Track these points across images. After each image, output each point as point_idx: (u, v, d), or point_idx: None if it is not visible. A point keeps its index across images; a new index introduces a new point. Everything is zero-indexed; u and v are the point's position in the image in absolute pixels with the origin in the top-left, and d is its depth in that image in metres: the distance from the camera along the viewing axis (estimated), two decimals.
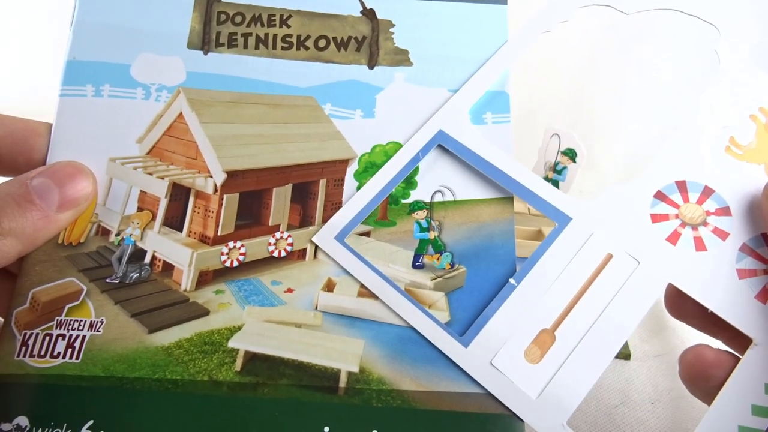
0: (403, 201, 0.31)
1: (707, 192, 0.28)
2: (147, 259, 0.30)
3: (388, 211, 0.31)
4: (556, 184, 0.78)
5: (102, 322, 0.28)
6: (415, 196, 0.31)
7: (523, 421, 0.26)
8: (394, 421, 0.27)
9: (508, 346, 0.26)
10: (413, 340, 0.28)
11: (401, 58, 0.34)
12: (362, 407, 0.27)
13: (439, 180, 0.31)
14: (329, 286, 0.30)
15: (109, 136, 0.31)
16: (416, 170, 0.31)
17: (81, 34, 0.33)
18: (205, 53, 0.33)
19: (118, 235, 0.30)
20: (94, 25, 0.33)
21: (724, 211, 0.28)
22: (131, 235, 0.30)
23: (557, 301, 0.26)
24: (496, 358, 0.26)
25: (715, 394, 0.28)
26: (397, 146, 0.32)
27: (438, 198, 0.31)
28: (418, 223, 0.31)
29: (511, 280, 0.27)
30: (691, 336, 0.51)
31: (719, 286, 0.27)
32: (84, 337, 0.28)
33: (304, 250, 0.31)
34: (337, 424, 0.27)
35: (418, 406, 0.27)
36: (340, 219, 0.29)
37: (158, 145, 0.32)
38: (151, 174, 0.31)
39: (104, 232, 0.31)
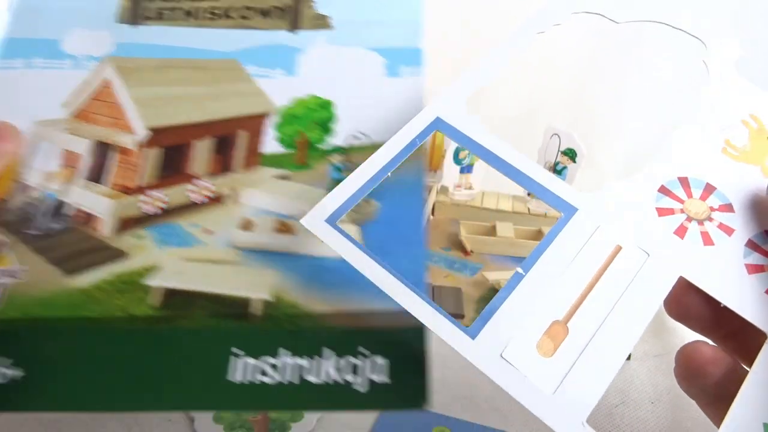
0: (319, 146, 0.33)
1: (709, 189, 0.28)
2: (69, 212, 0.31)
3: (306, 156, 0.32)
4: None
5: (22, 270, 0.29)
6: (332, 142, 0.33)
7: (427, 330, 0.25)
8: (301, 340, 0.27)
9: (518, 338, 0.25)
10: (328, 269, 0.28)
11: (321, 22, 0.36)
12: (272, 330, 0.27)
13: (355, 126, 0.33)
14: (246, 225, 0.30)
15: (37, 103, 0.33)
16: (331, 117, 0.32)
17: (17, 15, 0.35)
18: (134, 26, 0.35)
19: (40, 191, 0.32)
20: (30, 7, 0.36)
21: (728, 207, 0.28)
22: (54, 190, 0.32)
23: (568, 292, 0.26)
24: (507, 351, 0.24)
25: (709, 393, 0.27)
26: (317, 100, 0.33)
27: (353, 142, 0.32)
28: (334, 165, 0.32)
29: (519, 269, 0.26)
30: (692, 336, 0.51)
31: (729, 280, 0.26)
32: (5, 284, 0.29)
33: (225, 195, 0.32)
34: (246, 346, 0.27)
35: (327, 325, 0.27)
36: (332, 201, 0.27)
37: (85, 109, 0.34)
38: (74, 134, 0.33)
39: (27, 190, 0.32)
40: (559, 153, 0.78)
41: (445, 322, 0.25)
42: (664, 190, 0.28)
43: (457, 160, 0.76)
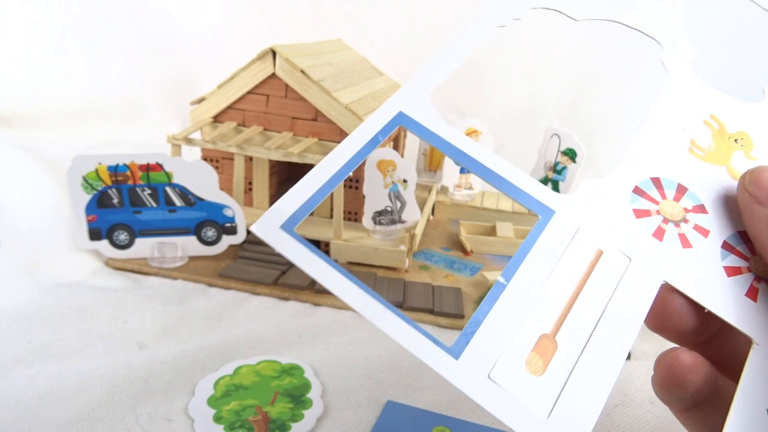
0: None
1: (681, 189, 0.28)
2: None
3: None
4: (556, 184, 0.78)
5: None
6: None
7: None
8: None
9: (506, 356, 0.23)
10: None
11: None
12: None
13: None
14: None
15: None
16: None
17: None
18: None
19: None
20: None
21: (701, 208, 0.28)
22: None
23: (553, 303, 0.24)
24: (495, 371, 0.22)
25: (687, 400, 0.27)
26: None
27: None
28: None
29: (501, 279, 0.24)
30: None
31: (710, 284, 0.26)
32: None
33: None
34: None
35: None
36: (287, 205, 0.24)
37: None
38: None
39: None
40: (559, 153, 0.78)
41: (424, 341, 0.22)
42: (638, 191, 0.28)
43: None
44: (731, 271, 0.26)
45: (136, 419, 0.41)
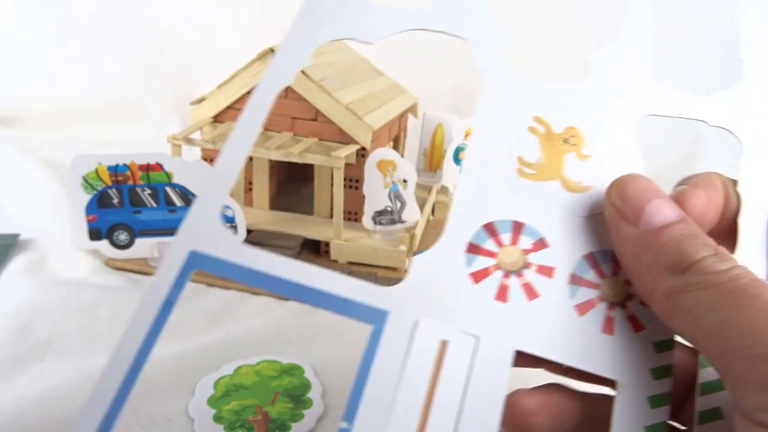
0: None
1: (517, 228, 0.25)
2: None
3: None
4: None
5: None
6: None
7: None
8: None
9: None
10: None
11: None
12: None
13: None
14: None
15: None
16: None
17: None
18: None
19: None
20: None
21: (541, 243, 0.24)
22: None
23: (407, 423, 0.22)
24: None
25: None
26: None
27: None
28: None
29: (342, 424, 0.22)
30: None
31: (564, 332, 0.23)
32: None
33: None
34: None
35: None
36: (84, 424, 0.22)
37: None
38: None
39: None
40: None
41: None
42: (472, 249, 0.24)
43: (457, 160, 0.76)
44: (583, 308, 0.24)
45: (136, 419, 0.41)
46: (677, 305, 0.21)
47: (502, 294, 0.24)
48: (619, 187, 0.23)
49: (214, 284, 0.59)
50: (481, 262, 0.24)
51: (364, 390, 0.22)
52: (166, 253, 0.23)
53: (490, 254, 0.24)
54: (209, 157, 0.70)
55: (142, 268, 0.61)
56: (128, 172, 0.60)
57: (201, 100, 0.68)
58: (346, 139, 0.65)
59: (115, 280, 0.59)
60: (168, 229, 0.62)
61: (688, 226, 0.22)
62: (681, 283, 0.21)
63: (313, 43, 0.27)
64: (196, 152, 0.70)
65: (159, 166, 0.60)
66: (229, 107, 0.67)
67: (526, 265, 0.24)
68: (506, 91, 0.26)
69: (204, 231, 0.24)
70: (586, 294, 0.24)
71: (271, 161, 0.68)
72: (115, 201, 0.61)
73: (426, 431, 0.22)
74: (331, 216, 0.66)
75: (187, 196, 0.61)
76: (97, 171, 0.60)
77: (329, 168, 0.65)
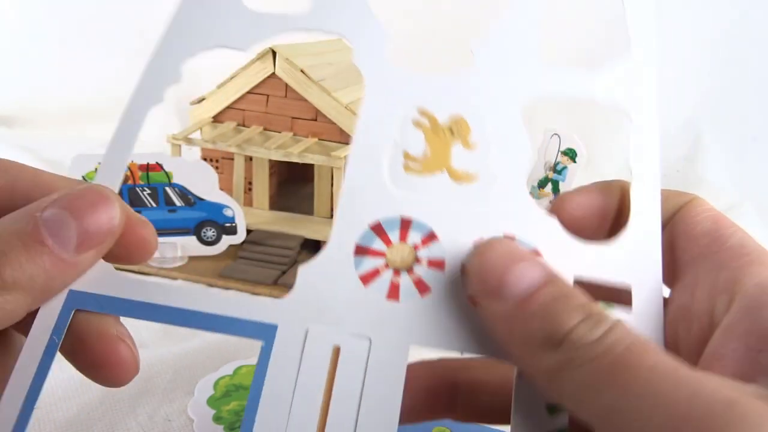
0: None
1: (405, 224, 0.24)
2: None
3: None
4: (556, 184, 0.78)
5: None
6: None
7: None
8: None
9: None
10: None
11: None
12: None
13: None
14: None
15: None
16: None
17: None
18: None
19: None
20: None
21: (430, 237, 0.24)
22: None
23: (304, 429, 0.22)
24: None
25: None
26: None
27: None
28: None
29: None
30: None
31: (458, 323, 0.23)
32: None
33: None
34: None
35: None
36: None
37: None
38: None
39: None
40: (559, 153, 0.78)
41: None
42: (360, 251, 0.24)
43: None
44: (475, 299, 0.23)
45: (135, 419, 0.41)
46: (561, 387, 0.18)
47: (393, 293, 0.23)
48: (476, 258, 0.21)
49: (214, 284, 0.59)
50: (370, 263, 0.24)
51: (258, 407, 0.22)
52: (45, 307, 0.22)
53: (379, 254, 0.24)
54: (209, 157, 0.70)
55: (142, 268, 0.61)
56: (128, 172, 0.60)
57: (201, 100, 0.68)
58: (346, 139, 0.65)
59: None
60: (168, 229, 0.62)
61: (556, 286, 0.20)
62: (557, 359, 0.18)
63: (184, 55, 0.27)
64: (196, 152, 0.70)
65: (159, 166, 0.60)
66: (228, 107, 0.67)
67: (417, 261, 0.24)
68: (388, 86, 0.25)
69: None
70: None
71: (271, 161, 0.68)
72: None
73: None
74: (331, 216, 0.66)
75: (186, 196, 0.61)
76: (96, 171, 0.60)
77: (329, 168, 0.65)
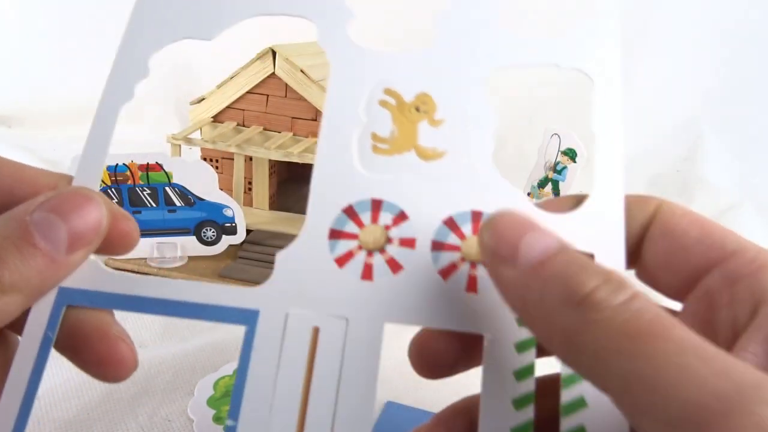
0: None
1: (376, 206, 0.25)
2: None
3: None
4: (556, 184, 0.78)
5: None
6: None
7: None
8: None
9: None
10: None
11: None
12: None
13: None
14: None
15: None
16: None
17: None
18: None
19: None
20: None
21: (401, 216, 0.25)
22: None
23: (288, 411, 0.22)
24: None
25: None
26: None
27: None
28: None
29: (228, 422, 0.22)
30: None
31: (430, 299, 0.24)
32: None
33: None
34: None
35: None
36: None
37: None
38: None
39: None
40: (559, 153, 0.78)
41: None
42: (335, 234, 0.24)
43: None
44: (447, 272, 0.24)
45: (135, 419, 0.41)
46: (580, 349, 0.18)
47: (367, 273, 0.24)
48: (490, 226, 0.21)
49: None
50: (344, 246, 0.24)
51: (245, 388, 0.22)
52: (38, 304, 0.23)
53: (352, 236, 0.24)
54: (209, 157, 0.70)
55: (142, 269, 0.61)
56: (128, 172, 0.60)
57: (201, 100, 0.68)
58: None
59: None
60: (168, 229, 0.62)
61: (570, 253, 0.20)
62: (577, 319, 0.18)
63: (149, 50, 0.27)
64: (196, 152, 0.70)
65: (158, 166, 0.60)
66: (228, 107, 0.67)
67: (389, 241, 0.24)
68: (354, 67, 0.26)
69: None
70: (448, 258, 0.24)
71: (271, 161, 0.68)
72: (115, 201, 0.61)
73: (306, 415, 0.22)
74: None
75: (186, 196, 0.61)
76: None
77: None
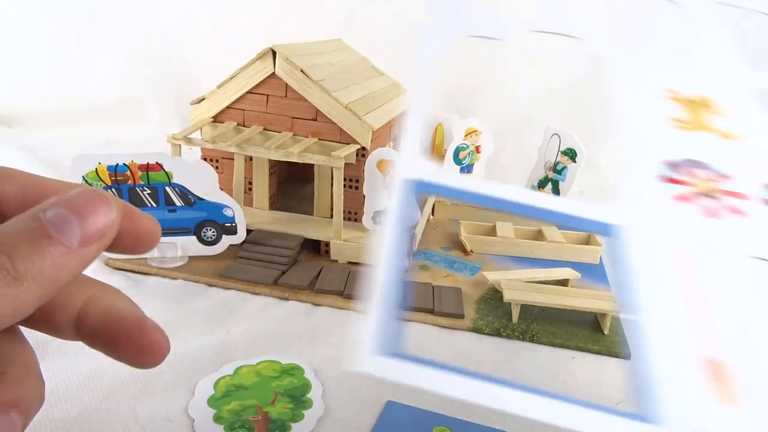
0: None
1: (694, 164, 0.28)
2: None
3: None
4: (556, 184, 0.78)
5: None
6: None
7: None
8: None
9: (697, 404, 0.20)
10: None
11: None
12: None
13: None
14: None
15: None
16: None
17: None
18: None
19: None
20: None
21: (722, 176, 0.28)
22: None
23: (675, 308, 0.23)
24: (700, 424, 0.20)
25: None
26: None
27: None
28: None
29: (629, 316, 0.23)
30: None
31: None
32: None
33: None
34: None
35: None
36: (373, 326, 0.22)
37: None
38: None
39: None
40: (559, 153, 0.78)
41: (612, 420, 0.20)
42: (671, 166, 0.28)
43: (457, 160, 0.76)
44: None
45: (136, 419, 0.41)
46: None
47: (710, 212, 0.27)
48: None
49: (214, 284, 0.59)
50: (680, 184, 0.27)
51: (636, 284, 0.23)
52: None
53: (689, 180, 0.28)
54: (209, 157, 0.70)
55: (142, 268, 0.61)
56: (128, 172, 0.60)
57: (201, 100, 0.68)
58: (346, 139, 0.65)
59: (115, 280, 0.59)
60: (168, 229, 0.62)
61: None
62: None
63: (452, 34, 0.31)
64: (196, 152, 0.70)
65: (159, 166, 0.60)
66: (228, 107, 0.67)
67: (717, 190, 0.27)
68: (634, 72, 0.33)
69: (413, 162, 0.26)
70: None
71: (271, 161, 0.68)
72: None
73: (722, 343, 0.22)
74: (331, 216, 0.66)
75: (186, 196, 0.61)
76: (96, 171, 0.60)
77: (329, 168, 0.65)
